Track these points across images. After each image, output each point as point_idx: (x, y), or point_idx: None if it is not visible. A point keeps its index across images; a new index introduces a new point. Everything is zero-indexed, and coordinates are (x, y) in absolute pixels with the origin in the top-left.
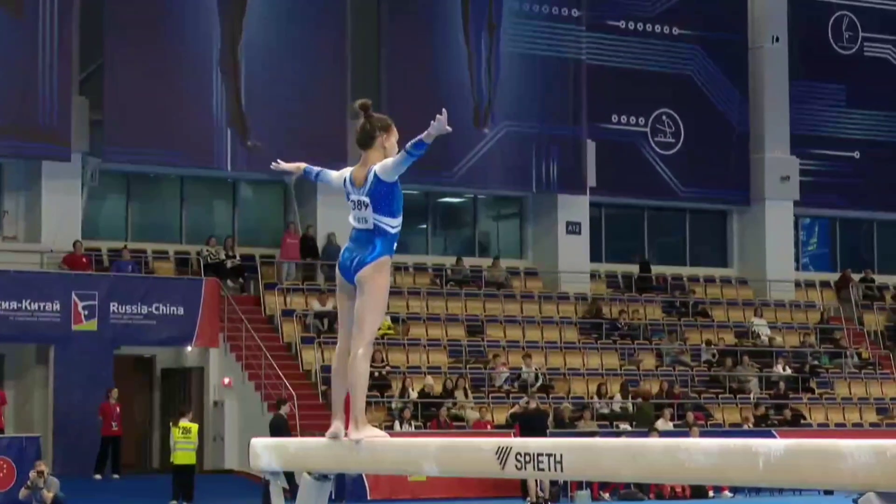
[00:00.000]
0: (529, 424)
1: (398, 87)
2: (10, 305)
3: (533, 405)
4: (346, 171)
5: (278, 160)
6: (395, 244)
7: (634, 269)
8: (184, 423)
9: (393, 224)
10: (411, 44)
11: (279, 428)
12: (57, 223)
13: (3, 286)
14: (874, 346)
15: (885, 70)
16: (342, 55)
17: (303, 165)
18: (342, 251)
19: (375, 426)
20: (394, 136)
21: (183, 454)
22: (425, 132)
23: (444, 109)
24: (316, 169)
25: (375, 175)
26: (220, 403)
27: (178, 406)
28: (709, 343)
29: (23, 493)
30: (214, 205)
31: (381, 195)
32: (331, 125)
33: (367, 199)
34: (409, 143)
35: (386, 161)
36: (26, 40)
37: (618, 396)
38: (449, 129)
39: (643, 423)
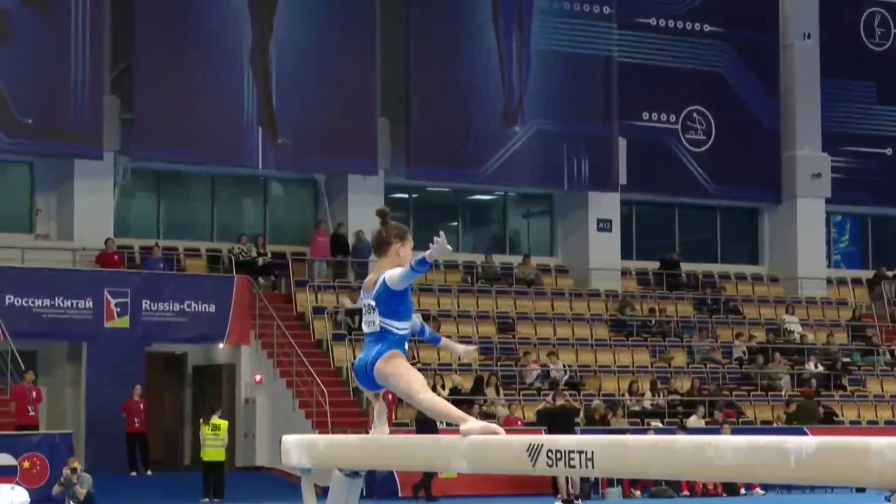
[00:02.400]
0: (555, 422)
1: (427, 85)
2: (42, 303)
3: (559, 402)
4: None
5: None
6: (406, 345)
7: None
8: (214, 420)
9: (399, 327)
10: (441, 41)
11: (425, 425)
12: (89, 221)
13: (35, 284)
14: None
15: None
16: (371, 53)
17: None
18: (356, 364)
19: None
20: (409, 245)
21: (212, 451)
22: (428, 252)
23: (441, 232)
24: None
25: (384, 281)
26: (251, 400)
27: (208, 403)
28: (739, 335)
29: (56, 489)
30: (245, 203)
31: (388, 299)
32: (360, 123)
33: (373, 303)
34: (414, 260)
35: (395, 271)
36: (57, 39)
37: (648, 393)
38: (449, 248)
39: (805, 419)
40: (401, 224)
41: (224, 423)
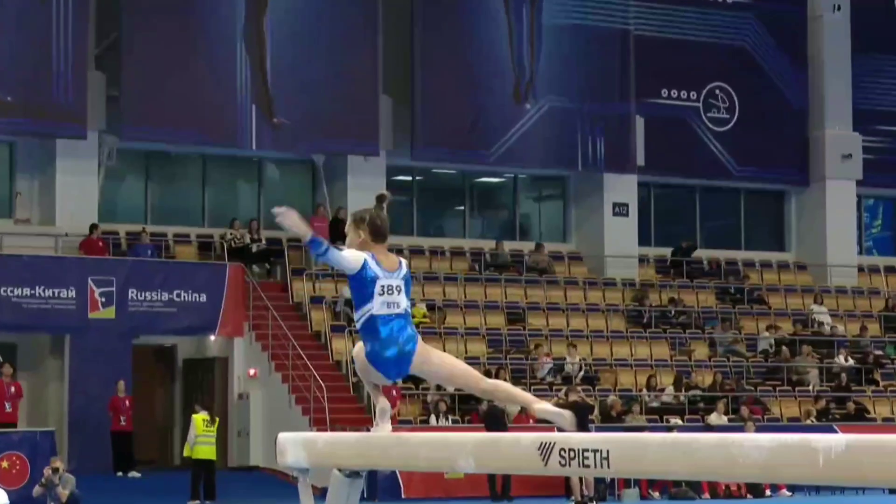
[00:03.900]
0: None
1: (433, 62)
2: (23, 292)
3: (572, 398)
4: (362, 254)
5: (282, 212)
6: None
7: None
8: (203, 415)
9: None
10: (447, 15)
11: (495, 419)
12: (72, 205)
13: (15, 272)
14: None
15: None
16: (374, 26)
17: (309, 233)
18: (381, 350)
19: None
20: (358, 234)
21: (206, 448)
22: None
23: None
24: (325, 243)
25: (407, 266)
26: (244, 396)
27: (195, 398)
28: (765, 327)
29: (37, 490)
30: (238, 186)
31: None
32: (361, 101)
33: (401, 284)
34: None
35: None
36: (39, 11)
37: (669, 389)
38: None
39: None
40: (364, 211)
41: (205, 419)
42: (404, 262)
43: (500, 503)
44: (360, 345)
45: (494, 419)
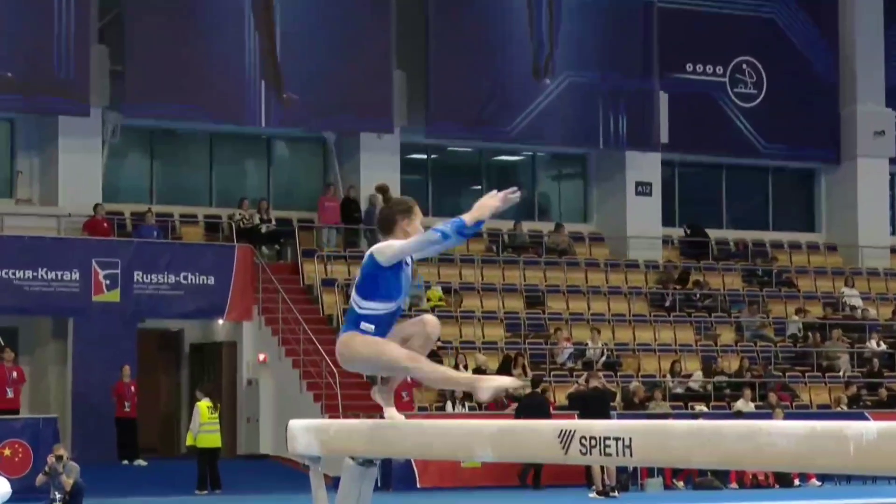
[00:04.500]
0: (589, 406)
1: (448, 35)
2: (24, 275)
3: (593, 384)
4: None
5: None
6: (364, 324)
7: (711, 233)
8: (207, 401)
9: (361, 305)
10: None
11: (534, 408)
12: (75, 185)
13: (17, 254)
14: None
15: None
16: None
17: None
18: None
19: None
20: (417, 219)
21: (211, 436)
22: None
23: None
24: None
25: (370, 253)
26: (254, 382)
27: (204, 385)
28: (794, 310)
29: (40, 479)
30: (247, 164)
31: (364, 275)
32: (374, 76)
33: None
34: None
35: (392, 242)
36: None
37: (694, 375)
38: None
39: None
40: (404, 197)
41: (209, 405)
42: (373, 248)
43: (526, 490)
44: (354, 335)
45: (532, 410)
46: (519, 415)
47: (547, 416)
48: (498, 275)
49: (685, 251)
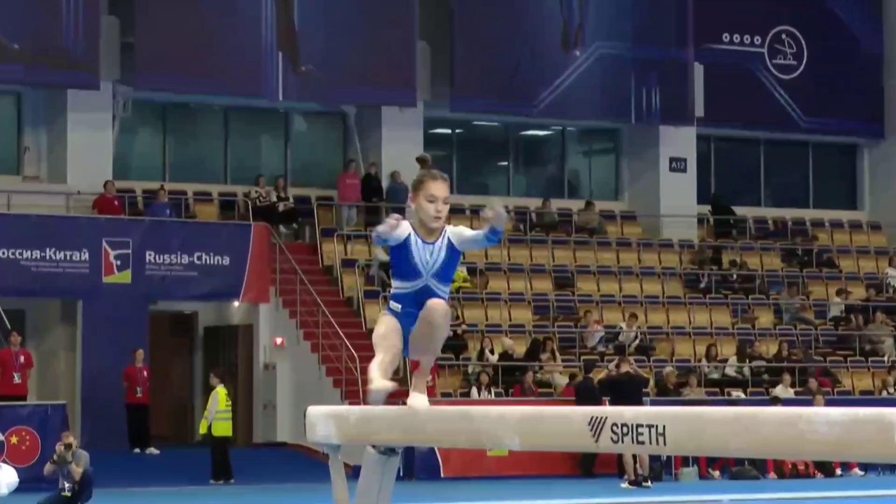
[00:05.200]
0: (621, 392)
1: (474, 4)
2: (32, 255)
3: (625, 369)
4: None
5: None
6: (392, 302)
7: (748, 211)
8: (219, 387)
9: (392, 283)
10: None
11: (587, 393)
12: (84, 161)
13: (24, 233)
14: None
15: None
16: None
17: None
18: None
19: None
20: (422, 194)
21: (224, 424)
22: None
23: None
24: None
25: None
26: (271, 367)
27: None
28: (836, 292)
29: (48, 468)
30: (263, 139)
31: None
32: (396, 47)
33: None
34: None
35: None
36: None
37: (731, 359)
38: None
39: None
40: (423, 171)
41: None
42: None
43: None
44: (383, 312)
45: (585, 394)
46: (579, 401)
47: (598, 401)
48: (525, 255)
49: (718, 230)
